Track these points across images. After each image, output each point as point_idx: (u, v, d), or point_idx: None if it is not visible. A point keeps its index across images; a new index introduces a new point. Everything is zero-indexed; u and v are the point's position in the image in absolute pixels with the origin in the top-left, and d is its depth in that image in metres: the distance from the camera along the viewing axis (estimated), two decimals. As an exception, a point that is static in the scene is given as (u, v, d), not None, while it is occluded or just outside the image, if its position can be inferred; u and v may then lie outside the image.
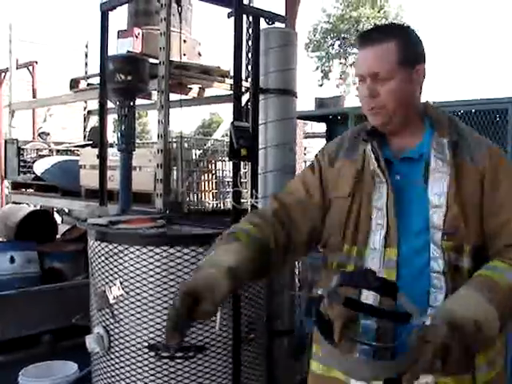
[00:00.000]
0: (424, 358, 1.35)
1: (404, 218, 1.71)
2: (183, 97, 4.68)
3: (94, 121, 8.07)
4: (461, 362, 1.39)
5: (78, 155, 5.79)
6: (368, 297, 1.67)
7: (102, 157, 4.04)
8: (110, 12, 3.97)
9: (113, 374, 3.00)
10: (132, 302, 2.89)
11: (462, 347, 1.38)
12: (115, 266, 2.94)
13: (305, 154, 10.25)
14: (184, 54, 4.59)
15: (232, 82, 3.59)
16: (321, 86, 33.28)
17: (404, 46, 1.71)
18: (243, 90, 3.56)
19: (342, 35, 31.88)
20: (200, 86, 5.05)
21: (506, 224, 1.67)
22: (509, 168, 1.75)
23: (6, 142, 6.85)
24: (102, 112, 4.15)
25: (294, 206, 1.83)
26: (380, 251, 1.71)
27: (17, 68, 8.48)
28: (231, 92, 3.82)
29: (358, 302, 1.65)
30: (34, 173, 6.01)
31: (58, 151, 7.03)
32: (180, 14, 3.91)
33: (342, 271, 1.67)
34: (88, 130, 8.03)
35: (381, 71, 1.69)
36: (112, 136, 6.91)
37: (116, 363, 2.98)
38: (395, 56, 1.69)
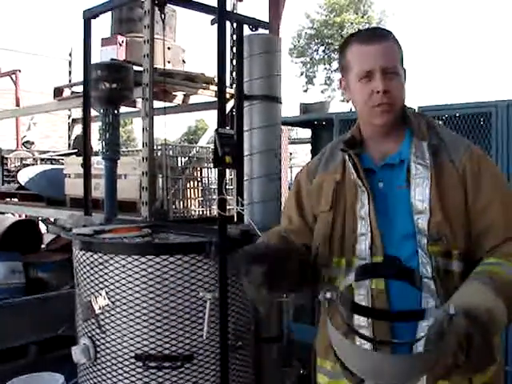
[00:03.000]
0: (450, 350, 1.31)
1: (390, 225, 1.71)
2: (168, 104, 4.66)
3: (78, 129, 8.05)
4: (483, 353, 1.35)
5: (63, 164, 5.76)
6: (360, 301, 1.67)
7: (86, 165, 4.00)
8: (92, 20, 3.94)
9: (100, 385, 2.97)
10: (118, 312, 2.86)
11: (483, 337, 1.35)
12: (101, 276, 2.91)
13: (290, 160, 10.26)
14: (168, 61, 4.57)
15: (216, 89, 3.58)
16: (305, 91, 33.47)
17: (399, 47, 1.77)
18: (228, 96, 3.55)
19: (326, 40, 32.08)
20: (184, 93, 5.04)
21: (492, 224, 1.66)
22: (490, 167, 1.74)
23: (-11, 151, 6.80)
24: (86, 120, 4.12)
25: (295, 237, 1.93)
26: (368, 260, 1.70)
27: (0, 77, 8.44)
28: (216, 99, 3.81)
29: (366, 307, 1.65)
30: (18, 182, 5.96)
31: (42, 160, 6.98)
32: (164, 21, 3.89)
33: (360, 265, 1.66)
34: (72, 138, 8.00)
35: (391, 66, 1.71)
36: (97, 144, 6.88)
37: (103, 374, 2.95)
38: (398, 54, 1.75)
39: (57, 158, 7.07)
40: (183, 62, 5.18)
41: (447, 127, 3.36)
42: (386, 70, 1.69)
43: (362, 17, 31.39)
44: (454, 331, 1.32)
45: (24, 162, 6.75)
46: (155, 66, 3.78)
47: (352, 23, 30.69)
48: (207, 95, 4.93)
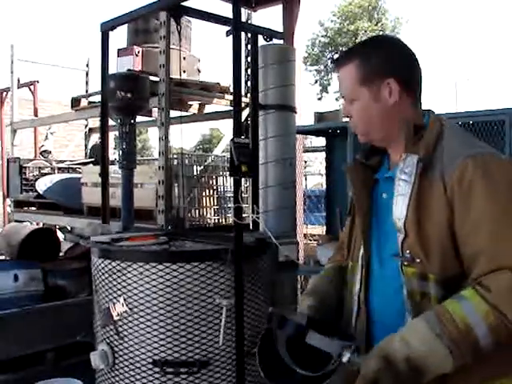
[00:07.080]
0: None
1: (384, 238, 1.69)
2: (183, 113, 4.72)
3: (94, 138, 8.16)
4: None
5: (80, 173, 5.84)
6: None
7: (105, 174, 4.06)
8: (110, 32, 4.01)
9: (118, 390, 3.00)
10: (136, 319, 2.90)
11: (394, 382, 1.41)
12: (119, 283, 2.95)
13: (305, 168, 10.27)
14: (184, 71, 4.63)
15: (231, 98, 3.62)
16: (320, 99, 33.45)
17: (364, 65, 1.67)
18: (243, 105, 3.60)
19: (340, 49, 32.02)
20: (200, 102, 5.10)
21: (478, 252, 1.47)
22: (487, 183, 1.48)
23: (8, 160, 6.91)
24: (104, 130, 4.18)
25: None
26: (360, 270, 1.75)
27: (18, 87, 8.56)
28: (231, 108, 3.84)
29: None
30: (36, 191, 6.05)
31: (59, 169, 7.07)
32: (179, 32, 3.95)
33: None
34: (89, 147, 8.10)
35: (346, 94, 1.73)
36: (113, 153, 6.95)
37: (121, 380, 2.98)
38: (355, 77, 1.68)
39: (74, 166, 7.16)
40: (198, 71, 5.24)
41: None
42: (346, 97, 1.74)
43: (376, 24, 31.35)
44: (363, 373, 1.44)
45: (42, 171, 6.85)
46: (171, 75, 3.83)
47: (366, 31, 30.66)
48: (222, 104, 4.99)
